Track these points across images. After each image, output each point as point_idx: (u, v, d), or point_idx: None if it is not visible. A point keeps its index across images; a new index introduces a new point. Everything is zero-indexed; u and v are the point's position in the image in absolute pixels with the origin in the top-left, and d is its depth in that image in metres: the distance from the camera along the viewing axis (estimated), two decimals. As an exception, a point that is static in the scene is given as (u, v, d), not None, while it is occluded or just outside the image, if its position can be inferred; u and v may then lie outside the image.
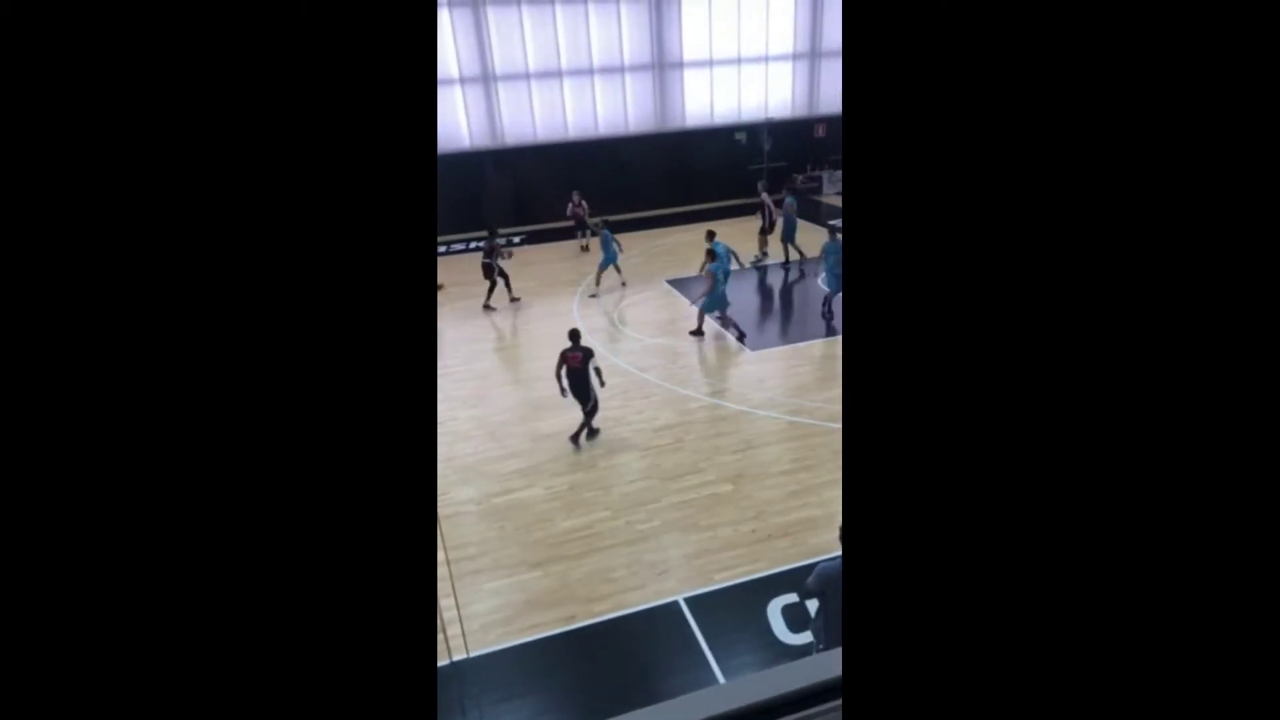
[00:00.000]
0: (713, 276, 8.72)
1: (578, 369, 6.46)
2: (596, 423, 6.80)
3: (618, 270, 11.02)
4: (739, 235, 11.07)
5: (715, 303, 8.77)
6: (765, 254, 11.48)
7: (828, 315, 9.27)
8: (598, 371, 6.54)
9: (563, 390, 6.53)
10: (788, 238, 11.08)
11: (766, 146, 15.51)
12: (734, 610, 4.63)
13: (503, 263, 10.44)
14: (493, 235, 10.53)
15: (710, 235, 9.69)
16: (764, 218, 11.69)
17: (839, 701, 1.04)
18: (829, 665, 1.08)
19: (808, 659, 1.16)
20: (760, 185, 12.59)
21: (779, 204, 11.45)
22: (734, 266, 9.47)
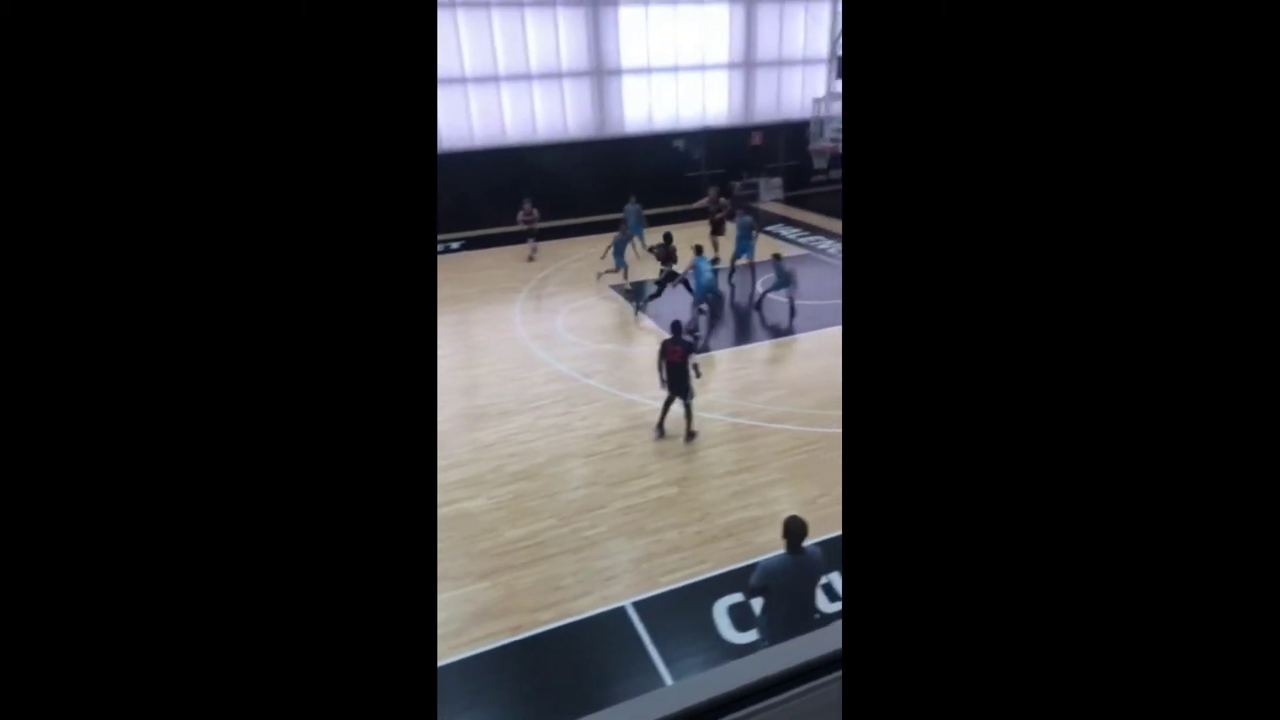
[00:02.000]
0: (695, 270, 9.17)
1: (679, 363, 6.35)
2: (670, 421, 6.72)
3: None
4: (682, 240, 11.18)
5: (704, 289, 9.20)
6: (717, 258, 11.62)
7: (792, 313, 9.64)
8: (695, 368, 6.50)
9: (662, 382, 6.50)
10: (738, 255, 11.14)
11: (697, 155, 15.74)
12: (681, 612, 4.67)
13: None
14: (430, 241, 10.32)
15: (668, 237, 9.83)
16: (713, 221, 11.75)
17: (838, 674, 1.05)
18: (828, 640, 1.11)
19: (805, 636, 1.18)
20: (713, 191, 12.77)
21: (731, 215, 11.49)
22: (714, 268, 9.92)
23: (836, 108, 13.21)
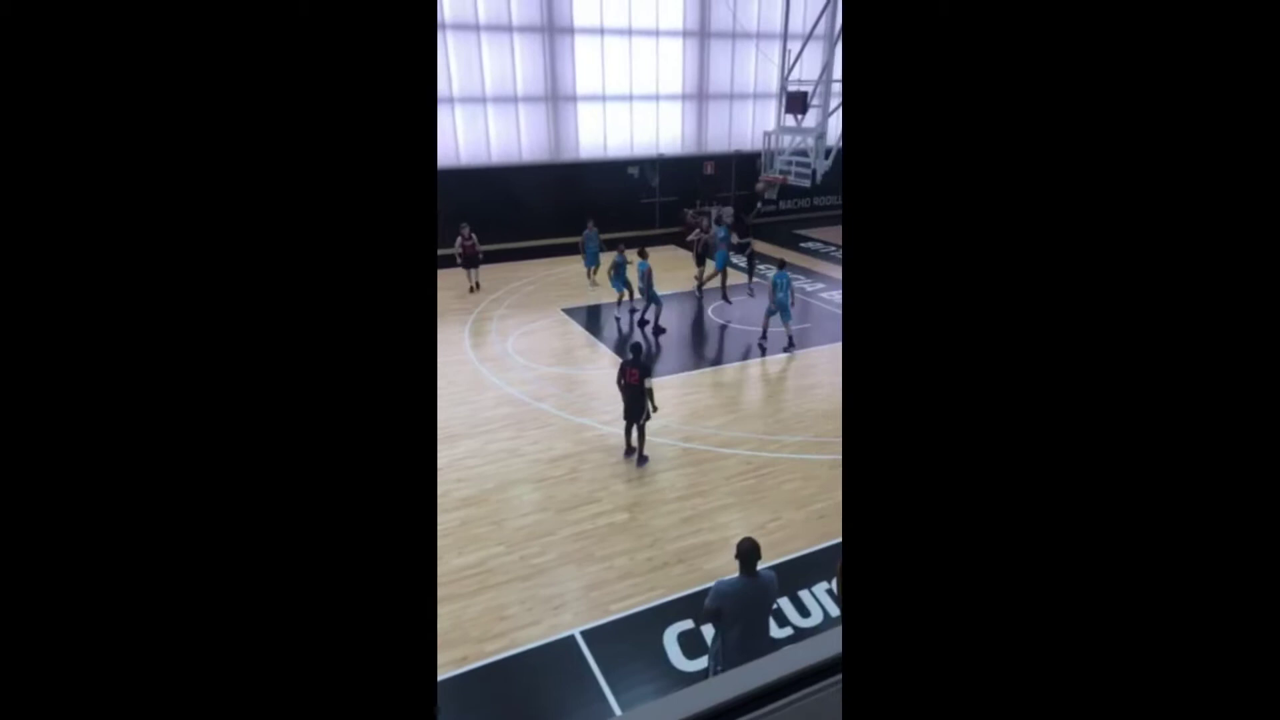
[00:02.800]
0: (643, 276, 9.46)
1: (635, 385, 6.30)
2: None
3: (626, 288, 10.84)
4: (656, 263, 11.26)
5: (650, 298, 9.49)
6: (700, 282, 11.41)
7: (762, 341, 9.73)
8: (649, 394, 6.41)
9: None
10: (717, 263, 11.08)
11: (652, 183, 15.99)
12: (630, 641, 4.60)
13: None
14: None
15: (643, 253, 9.94)
16: (696, 245, 11.62)
17: (838, 678, 1.05)
18: (828, 645, 1.11)
19: (807, 641, 1.18)
20: (690, 214, 12.84)
21: (706, 231, 11.54)
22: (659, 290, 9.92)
23: (786, 140, 13.61)
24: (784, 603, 4.94)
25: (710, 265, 11.30)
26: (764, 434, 7.28)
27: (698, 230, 11.66)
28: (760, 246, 13.70)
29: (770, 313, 9.47)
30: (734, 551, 3.57)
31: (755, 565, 3.55)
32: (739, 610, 3.54)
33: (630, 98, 15.71)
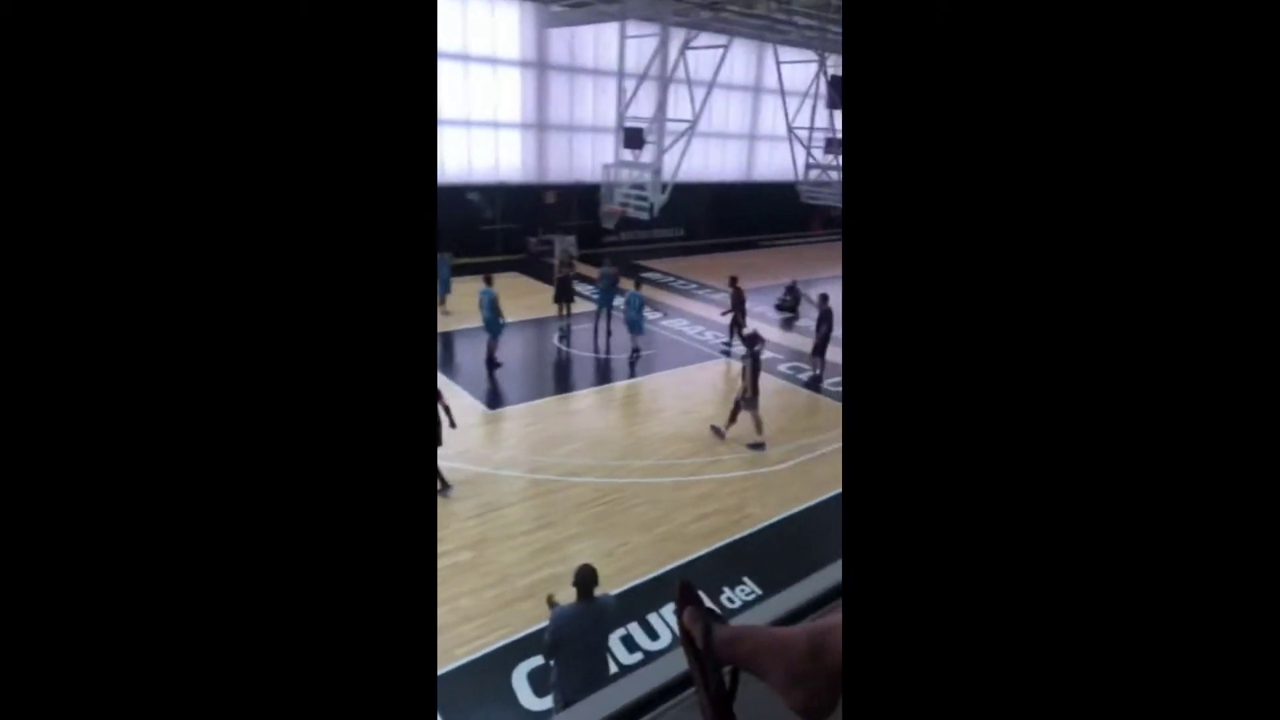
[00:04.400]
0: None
1: None
2: None
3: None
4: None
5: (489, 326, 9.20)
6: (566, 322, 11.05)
7: (634, 358, 10.00)
8: (447, 410, 6.18)
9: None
10: (605, 304, 10.87)
11: (490, 211, 15.83)
12: (477, 685, 4.40)
13: None
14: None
15: (487, 280, 9.51)
16: (560, 281, 11.20)
17: None
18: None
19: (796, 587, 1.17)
20: (533, 242, 12.53)
21: (569, 266, 11.34)
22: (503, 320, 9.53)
23: (625, 174, 14.07)
24: (633, 628, 4.99)
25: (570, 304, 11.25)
26: (614, 459, 7.37)
27: (559, 264, 11.56)
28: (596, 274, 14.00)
29: (630, 328, 10.01)
30: (582, 577, 3.56)
31: (592, 591, 3.57)
32: (577, 636, 3.53)
33: (468, 123, 15.48)
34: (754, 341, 7.66)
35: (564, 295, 11.08)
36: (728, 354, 10.43)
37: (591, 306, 11.43)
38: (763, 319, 11.17)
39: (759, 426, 7.53)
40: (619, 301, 10.84)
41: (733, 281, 10.43)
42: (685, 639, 0.78)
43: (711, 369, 10.14)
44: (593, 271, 12.55)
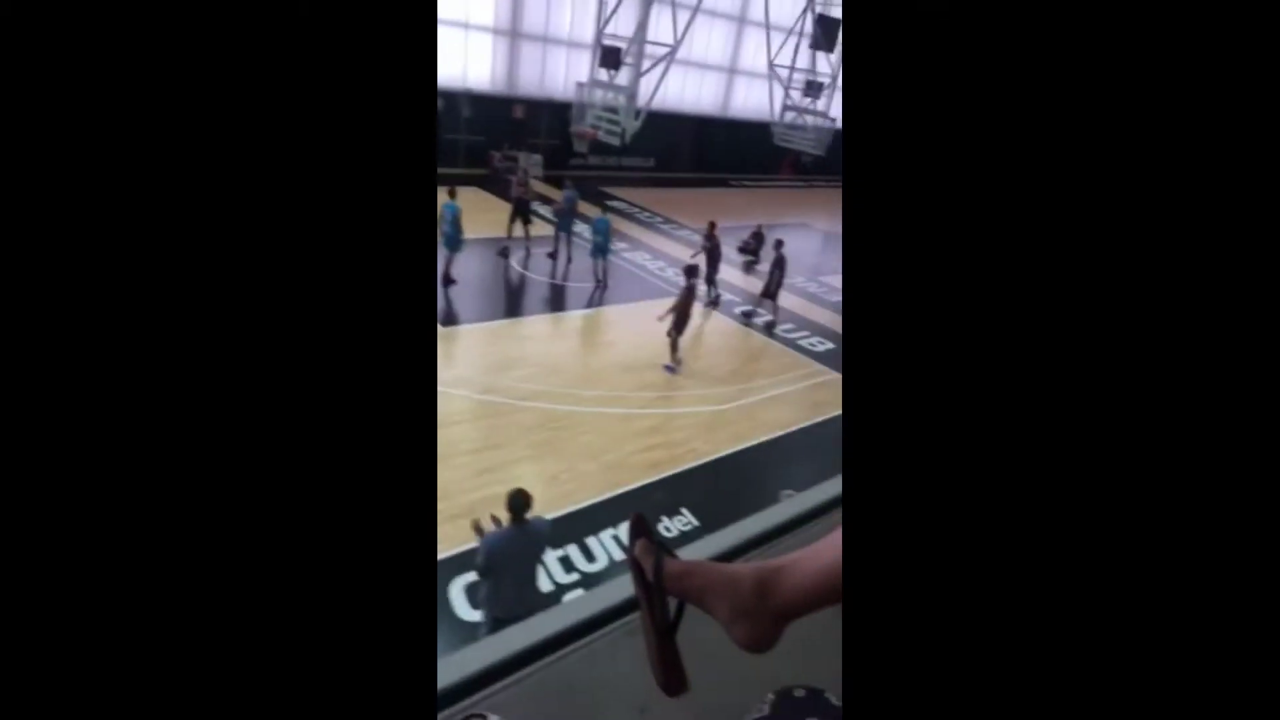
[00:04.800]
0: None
1: None
2: None
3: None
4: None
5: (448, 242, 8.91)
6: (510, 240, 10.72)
7: (597, 287, 9.88)
8: None
9: None
10: (564, 229, 10.60)
11: (453, 122, 15.07)
12: (416, 595, 4.48)
13: None
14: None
15: (451, 193, 9.03)
16: (518, 202, 10.65)
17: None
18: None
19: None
20: (498, 156, 12.09)
21: (523, 186, 10.89)
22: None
23: (599, 95, 13.53)
24: (572, 550, 5.13)
25: (532, 224, 10.93)
26: (563, 387, 7.39)
27: (516, 183, 11.05)
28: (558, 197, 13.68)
29: (594, 254, 9.80)
30: (514, 501, 3.59)
31: (524, 514, 3.61)
32: (508, 560, 3.59)
33: (435, 21, 14.48)
34: (691, 274, 7.98)
35: (520, 215, 10.77)
36: (715, 305, 10.22)
37: (550, 230, 11.19)
38: (724, 261, 11.11)
39: (674, 350, 7.84)
40: (581, 228, 10.62)
41: (710, 229, 10.08)
42: (635, 569, 0.80)
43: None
44: (556, 194, 12.10)
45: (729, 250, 12.40)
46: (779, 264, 9.66)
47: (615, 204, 14.83)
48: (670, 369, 7.82)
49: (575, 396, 7.24)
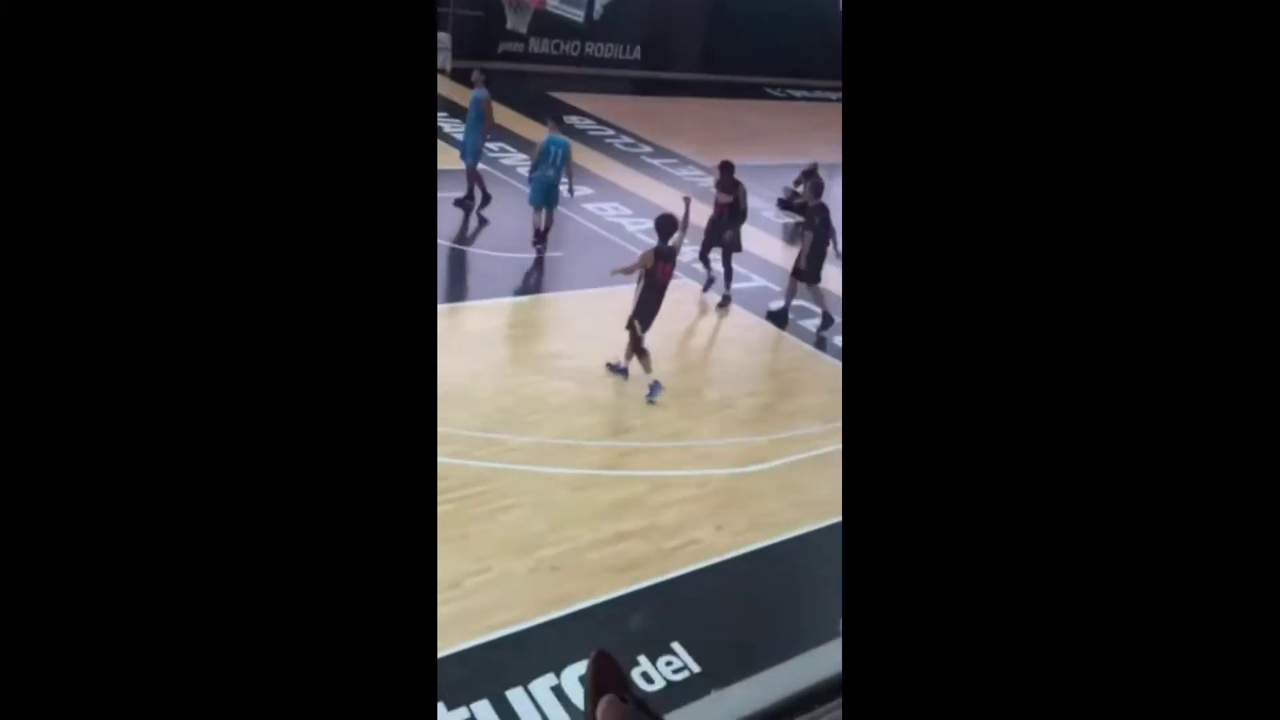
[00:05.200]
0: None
1: None
2: None
3: None
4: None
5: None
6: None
7: (537, 250, 10.17)
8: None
9: None
10: (471, 153, 11.15)
11: None
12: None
13: None
14: None
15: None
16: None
17: (838, 702, 1.52)
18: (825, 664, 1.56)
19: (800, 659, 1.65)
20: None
21: None
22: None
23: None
24: (481, 709, 5.00)
25: None
26: (477, 429, 7.28)
27: None
28: (501, 111, 13.63)
29: (537, 198, 10.05)
30: None
31: None
32: None
33: None
34: (666, 229, 8.08)
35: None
36: (708, 287, 10.34)
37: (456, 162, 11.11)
38: (755, 220, 11.13)
39: (632, 346, 8.11)
40: (514, 158, 10.49)
41: (725, 170, 10.18)
42: None
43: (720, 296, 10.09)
44: (462, 96, 12.16)
45: (763, 204, 12.39)
46: (822, 225, 9.80)
47: (571, 118, 14.90)
48: (615, 369, 8.16)
49: (497, 445, 7.14)
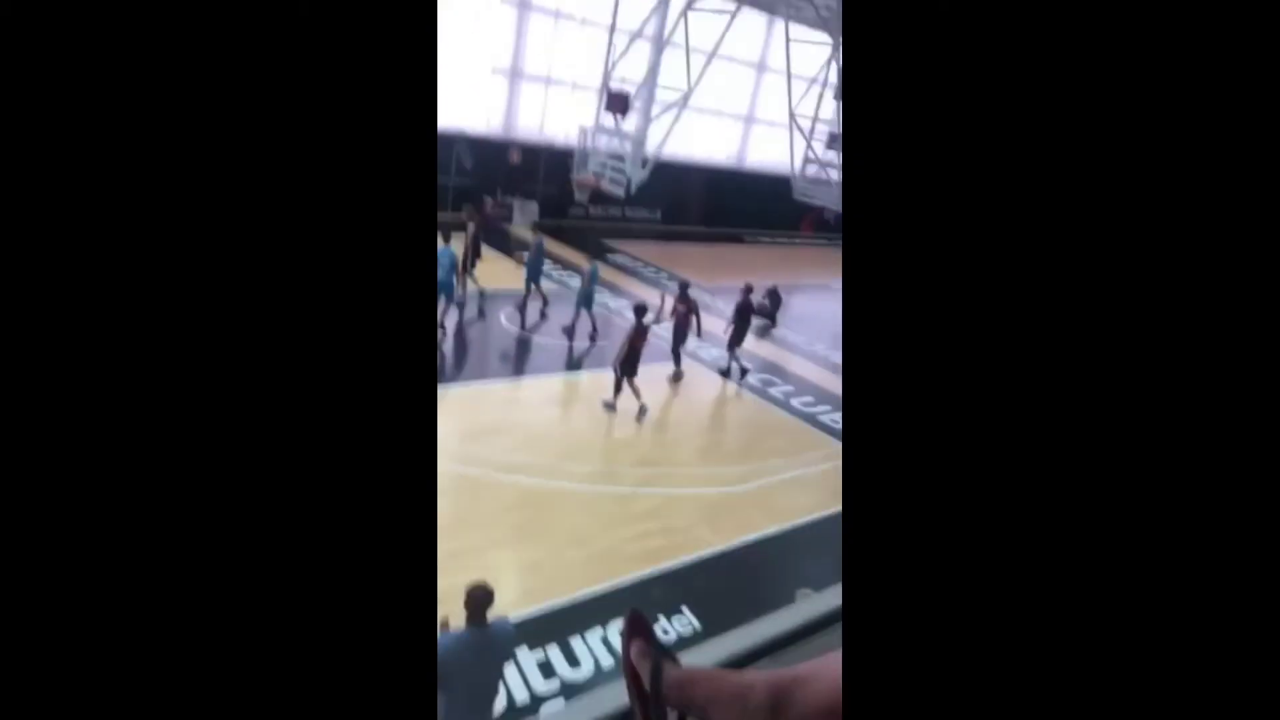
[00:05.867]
0: None
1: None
2: None
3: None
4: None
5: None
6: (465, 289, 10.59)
7: (593, 336, 10.08)
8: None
9: None
10: (533, 278, 10.66)
11: (467, 164, 15.51)
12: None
13: None
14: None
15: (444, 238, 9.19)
16: (470, 248, 10.62)
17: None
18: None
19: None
20: (490, 203, 12.27)
21: (488, 224, 10.99)
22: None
23: (604, 141, 13.89)
24: (553, 652, 4.94)
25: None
26: (548, 459, 7.30)
27: (465, 217, 10.99)
28: (568, 252, 13.89)
29: (581, 304, 10.00)
30: (473, 598, 3.27)
31: (485, 614, 3.31)
32: (461, 670, 3.23)
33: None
34: (641, 312, 8.33)
35: (473, 252, 10.58)
36: (727, 375, 9.97)
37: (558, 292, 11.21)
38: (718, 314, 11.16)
39: (618, 390, 8.23)
40: (559, 275, 10.54)
41: (747, 292, 9.98)
42: (631, 676, 0.78)
43: (672, 371, 10.14)
44: (551, 245, 12.29)
45: (726, 308, 12.51)
46: (742, 311, 9.71)
47: (617, 258, 15.18)
48: (608, 406, 8.18)
49: (562, 471, 7.14)
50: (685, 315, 9.46)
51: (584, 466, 7.33)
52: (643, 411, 8.12)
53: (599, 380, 9.49)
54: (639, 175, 12.75)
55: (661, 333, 9.40)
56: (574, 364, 9.92)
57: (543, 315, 10.81)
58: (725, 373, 9.86)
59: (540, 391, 9.16)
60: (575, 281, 11.12)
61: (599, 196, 15.47)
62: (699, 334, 9.46)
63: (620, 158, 13.04)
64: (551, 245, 12.82)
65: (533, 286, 10.62)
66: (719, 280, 10.62)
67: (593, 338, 9.96)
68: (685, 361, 9.75)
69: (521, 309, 10.65)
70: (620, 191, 13.08)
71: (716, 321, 10.66)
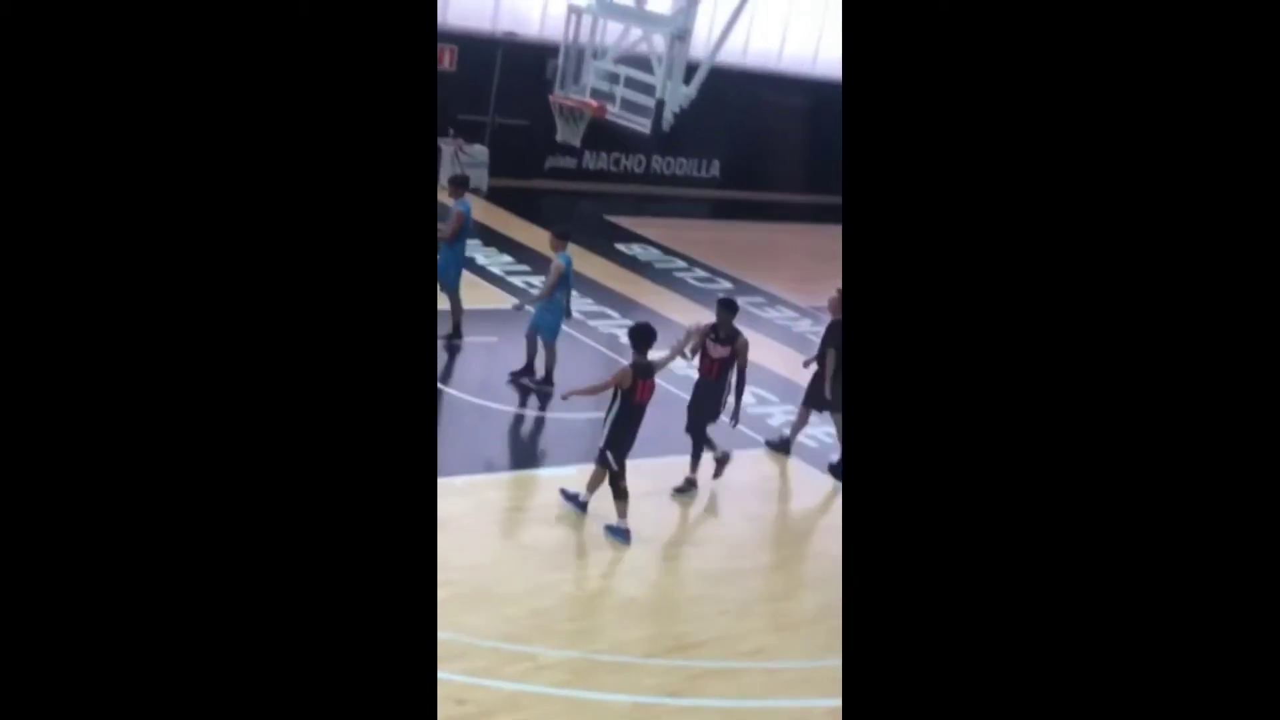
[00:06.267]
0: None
1: None
2: None
3: None
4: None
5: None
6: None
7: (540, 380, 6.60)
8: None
9: None
10: (445, 277, 7.43)
11: None
12: None
13: None
14: None
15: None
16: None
17: None
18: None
19: None
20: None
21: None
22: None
23: (612, 35, 8.64)
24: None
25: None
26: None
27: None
28: (538, 235, 8.39)
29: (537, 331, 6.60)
30: None
31: None
32: None
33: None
34: (643, 343, 5.32)
35: None
36: (779, 448, 6.54)
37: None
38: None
39: (594, 485, 5.06)
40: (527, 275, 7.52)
41: (724, 310, 6.66)
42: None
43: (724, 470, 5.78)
44: (511, 224, 8.79)
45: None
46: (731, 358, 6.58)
47: (633, 246, 10.11)
48: (570, 498, 5.17)
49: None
50: (723, 365, 6.03)
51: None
52: (581, 506, 5.13)
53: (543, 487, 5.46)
54: (679, 95, 8.62)
55: (673, 387, 6.19)
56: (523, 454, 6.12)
57: (452, 342, 6.87)
58: (785, 445, 6.57)
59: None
60: (534, 288, 7.34)
61: (603, 135, 10.12)
62: (738, 394, 6.11)
63: (645, 61, 8.83)
64: (513, 222, 8.77)
65: (444, 292, 7.01)
66: (826, 291, 6.07)
67: (538, 384, 6.60)
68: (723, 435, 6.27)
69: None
70: (644, 128, 8.86)
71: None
